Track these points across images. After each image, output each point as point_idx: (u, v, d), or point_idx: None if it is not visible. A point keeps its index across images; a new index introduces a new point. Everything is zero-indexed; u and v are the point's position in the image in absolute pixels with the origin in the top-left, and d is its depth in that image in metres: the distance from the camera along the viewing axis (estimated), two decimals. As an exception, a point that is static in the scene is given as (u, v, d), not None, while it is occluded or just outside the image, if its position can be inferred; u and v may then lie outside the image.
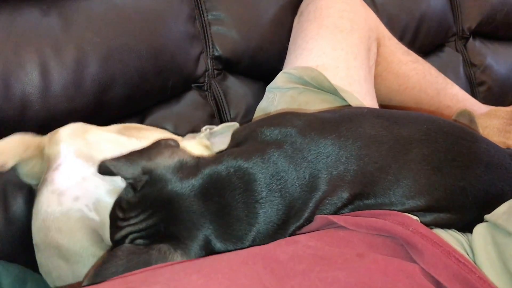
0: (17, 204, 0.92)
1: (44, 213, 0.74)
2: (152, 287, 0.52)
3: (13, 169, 0.95)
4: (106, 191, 0.75)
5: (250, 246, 0.64)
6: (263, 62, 1.22)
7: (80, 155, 0.77)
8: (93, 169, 0.74)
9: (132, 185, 0.67)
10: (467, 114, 1.18)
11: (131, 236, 0.64)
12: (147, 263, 0.59)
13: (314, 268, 0.57)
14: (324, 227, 0.68)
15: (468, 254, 0.67)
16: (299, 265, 0.58)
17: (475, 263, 0.65)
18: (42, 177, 0.79)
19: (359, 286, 0.56)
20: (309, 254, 0.61)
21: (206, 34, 1.17)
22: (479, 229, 0.70)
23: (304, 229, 0.69)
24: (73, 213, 0.72)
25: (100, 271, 0.58)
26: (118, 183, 0.75)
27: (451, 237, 0.71)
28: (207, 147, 0.86)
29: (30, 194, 0.89)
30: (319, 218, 0.68)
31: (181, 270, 0.56)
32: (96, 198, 0.74)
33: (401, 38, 1.37)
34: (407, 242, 0.62)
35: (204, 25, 1.17)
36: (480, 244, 0.67)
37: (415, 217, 0.69)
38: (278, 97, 1.05)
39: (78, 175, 0.75)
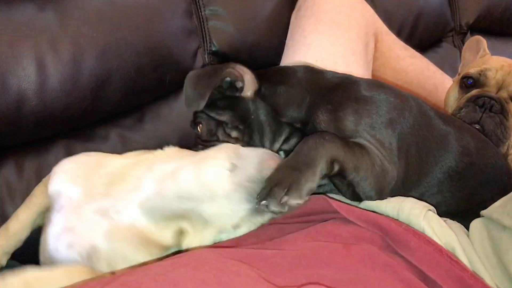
0: (14, 207, 0.90)
1: (48, 251, 0.76)
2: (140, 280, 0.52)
3: (12, 171, 0.96)
4: (103, 233, 0.72)
5: None
6: (260, 57, 1.21)
7: (88, 194, 0.75)
8: (107, 202, 0.73)
9: None
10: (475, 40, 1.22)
11: None
12: None
13: (300, 263, 0.58)
14: (319, 207, 0.69)
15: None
16: (283, 260, 0.58)
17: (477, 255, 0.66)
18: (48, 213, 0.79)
19: (346, 283, 0.56)
20: (295, 249, 0.61)
21: (203, 29, 1.16)
22: (475, 223, 0.71)
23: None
24: (67, 261, 0.73)
25: None
26: (120, 218, 0.72)
27: (460, 229, 0.72)
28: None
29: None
30: (321, 199, 0.69)
31: (168, 265, 0.57)
32: (90, 245, 0.72)
33: (398, 34, 1.37)
34: (399, 239, 0.62)
35: (201, 20, 1.16)
36: (477, 238, 0.68)
37: (430, 206, 0.70)
38: None
39: (76, 218, 0.74)
